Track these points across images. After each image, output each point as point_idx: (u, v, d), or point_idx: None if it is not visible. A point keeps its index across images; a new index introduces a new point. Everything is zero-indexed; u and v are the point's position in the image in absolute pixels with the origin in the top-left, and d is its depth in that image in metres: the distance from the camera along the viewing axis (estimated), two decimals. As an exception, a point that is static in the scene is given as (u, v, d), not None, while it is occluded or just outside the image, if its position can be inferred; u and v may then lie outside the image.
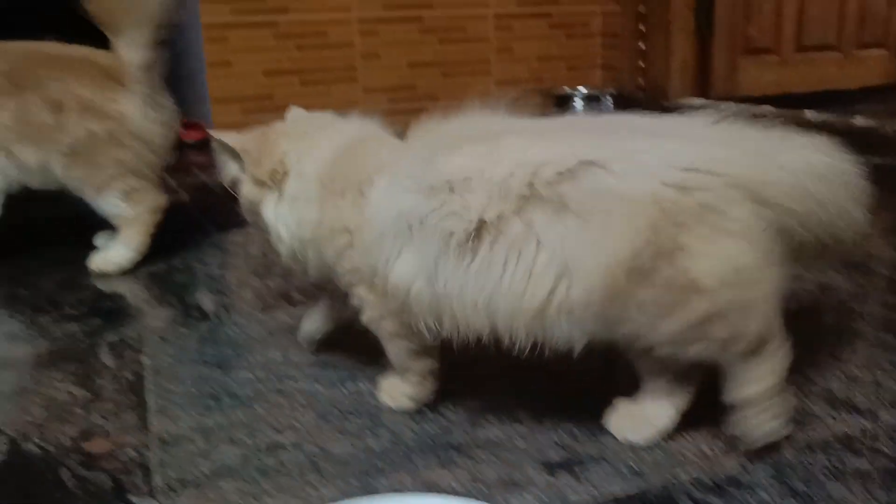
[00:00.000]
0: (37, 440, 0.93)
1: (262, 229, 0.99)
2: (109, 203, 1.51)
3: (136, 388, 1.05)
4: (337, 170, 0.93)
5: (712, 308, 0.78)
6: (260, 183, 0.96)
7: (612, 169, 0.77)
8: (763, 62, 3.04)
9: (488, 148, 0.82)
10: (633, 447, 0.87)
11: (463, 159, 0.82)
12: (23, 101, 1.45)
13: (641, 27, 3.08)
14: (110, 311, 1.36)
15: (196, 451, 0.89)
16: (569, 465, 0.84)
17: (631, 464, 0.84)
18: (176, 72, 3.05)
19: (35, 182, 1.51)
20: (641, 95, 3.09)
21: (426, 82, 3.07)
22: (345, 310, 0.99)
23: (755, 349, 0.81)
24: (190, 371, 1.10)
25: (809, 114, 2.57)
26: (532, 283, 0.78)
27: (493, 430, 0.91)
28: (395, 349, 0.95)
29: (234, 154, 0.98)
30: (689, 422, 0.89)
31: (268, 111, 2.74)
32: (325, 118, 1.03)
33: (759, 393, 0.82)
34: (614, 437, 0.88)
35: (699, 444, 0.87)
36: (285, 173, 0.95)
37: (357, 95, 2.96)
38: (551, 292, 0.78)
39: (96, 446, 0.92)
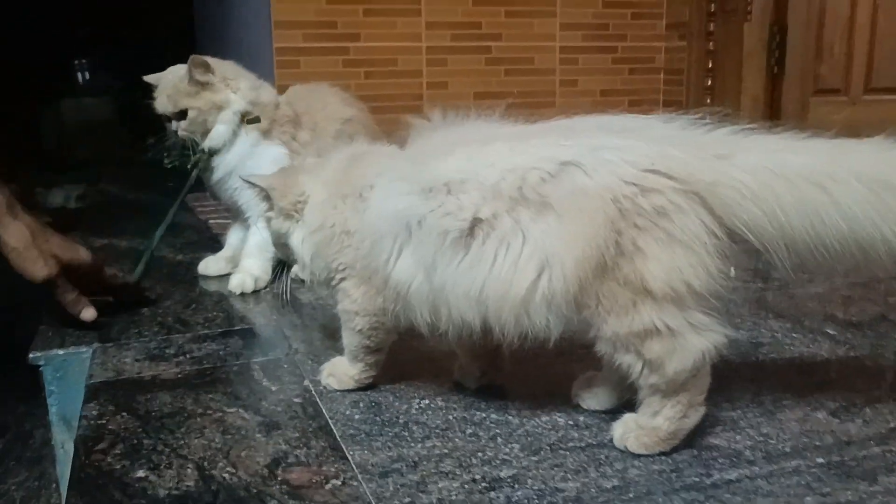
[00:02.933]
0: (227, 468, 0.87)
1: (290, 259, 1.08)
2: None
3: (313, 415, 0.99)
4: (340, 177, 1.01)
5: (655, 320, 0.81)
6: (287, 215, 1.04)
7: (585, 167, 0.82)
8: (833, 102, 3.01)
9: (480, 152, 0.87)
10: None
11: (458, 163, 0.87)
12: None
13: (710, 64, 3.05)
14: (246, 332, 1.30)
15: (410, 483, 0.82)
16: (831, 511, 0.77)
17: (903, 512, 0.77)
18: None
19: None
20: (708, 132, 3.05)
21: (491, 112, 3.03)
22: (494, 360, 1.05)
23: (668, 391, 0.85)
24: (361, 396, 1.03)
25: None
26: (518, 273, 0.83)
27: (728, 472, 0.84)
28: (355, 342, 1.02)
29: (263, 192, 1.05)
30: None
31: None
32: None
33: (649, 425, 0.87)
34: (869, 483, 0.82)
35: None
36: (305, 202, 1.03)
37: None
38: (535, 282, 0.82)
39: (297, 476, 0.85)
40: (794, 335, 1.23)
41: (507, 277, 0.84)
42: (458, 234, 0.86)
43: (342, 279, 1.01)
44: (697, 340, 0.82)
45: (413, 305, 0.92)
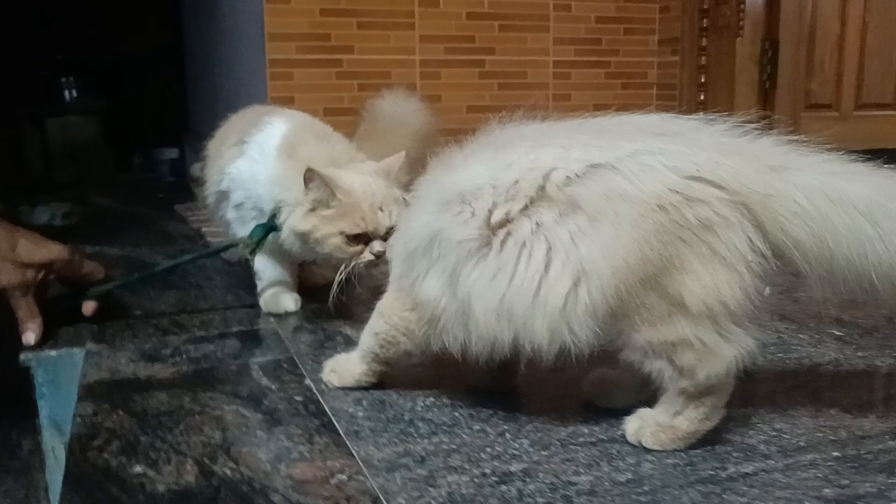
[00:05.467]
0: (228, 464, 0.84)
1: None
2: None
3: (315, 412, 0.96)
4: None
5: (688, 334, 0.78)
6: None
7: (622, 170, 0.78)
8: (824, 118, 3.02)
9: (498, 156, 0.84)
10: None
11: (474, 169, 0.84)
12: None
13: (702, 79, 3.06)
14: (244, 334, 1.27)
15: (418, 478, 0.80)
16: (851, 502, 0.75)
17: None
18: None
19: None
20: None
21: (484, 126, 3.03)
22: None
23: (695, 394, 0.82)
24: (363, 395, 1.01)
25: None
26: (548, 282, 0.78)
27: (743, 465, 0.82)
28: (369, 343, 0.99)
29: None
30: None
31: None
32: None
33: (668, 423, 0.84)
34: (887, 476, 0.80)
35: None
36: None
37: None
38: (570, 293, 0.78)
39: (301, 471, 0.82)
40: (800, 336, 1.22)
41: (530, 286, 0.79)
42: (475, 242, 0.82)
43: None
44: (729, 349, 0.80)
45: (445, 327, 0.88)
